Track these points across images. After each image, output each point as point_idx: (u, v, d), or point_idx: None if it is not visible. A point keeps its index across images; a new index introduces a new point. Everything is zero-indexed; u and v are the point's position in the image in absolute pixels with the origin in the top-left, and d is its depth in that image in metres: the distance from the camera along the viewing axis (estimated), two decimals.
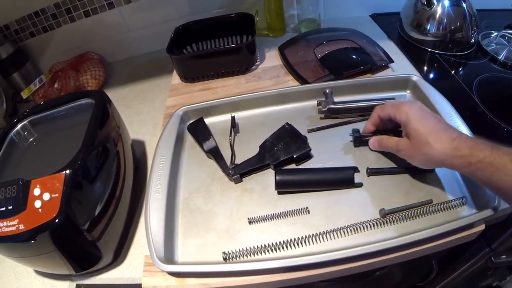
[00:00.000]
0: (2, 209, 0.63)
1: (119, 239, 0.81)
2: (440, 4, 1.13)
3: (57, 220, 0.61)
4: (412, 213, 0.72)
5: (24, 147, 0.83)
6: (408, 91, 0.98)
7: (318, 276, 0.69)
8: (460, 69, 1.11)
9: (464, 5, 1.12)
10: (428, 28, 1.16)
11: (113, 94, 0.91)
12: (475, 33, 1.16)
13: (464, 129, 0.80)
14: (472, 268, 0.98)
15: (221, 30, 1.28)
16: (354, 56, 1.11)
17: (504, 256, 0.91)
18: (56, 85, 1.29)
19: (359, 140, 0.85)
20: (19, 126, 0.85)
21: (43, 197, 0.63)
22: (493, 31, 1.20)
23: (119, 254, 0.81)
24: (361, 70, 1.06)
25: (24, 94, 1.26)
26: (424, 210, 0.72)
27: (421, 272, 1.10)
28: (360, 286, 1.15)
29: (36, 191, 0.64)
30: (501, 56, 1.10)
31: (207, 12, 1.36)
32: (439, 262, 1.00)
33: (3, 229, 0.62)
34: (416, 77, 0.95)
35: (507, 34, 1.14)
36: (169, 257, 0.71)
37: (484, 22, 1.26)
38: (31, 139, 0.85)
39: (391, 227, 0.71)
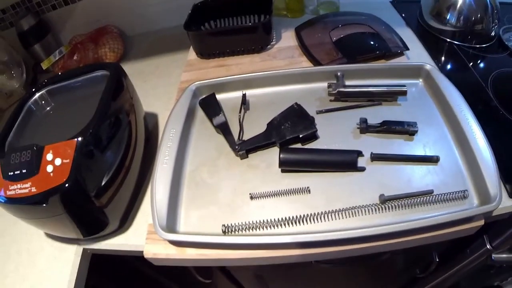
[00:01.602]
0: (16, 172, 0.66)
1: (126, 207, 0.83)
2: None
3: (66, 185, 0.64)
4: (412, 201, 0.72)
5: (41, 116, 0.86)
6: (421, 80, 0.97)
7: (313, 256, 0.71)
8: (478, 61, 1.09)
9: None
10: (448, 17, 1.14)
11: (130, 67, 0.93)
12: (496, 26, 1.14)
13: (473, 122, 0.80)
14: (472, 264, 0.97)
15: (239, 8, 1.29)
16: (369, 41, 1.11)
17: (504, 255, 0.91)
18: (75, 57, 1.32)
19: (365, 130, 0.86)
20: (37, 95, 0.87)
21: (55, 162, 0.66)
22: None
23: (125, 222, 0.83)
24: (375, 55, 1.05)
25: (44, 65, 1.29)
26: (424, 199, 0.72)
27: (422, 264, 1.10)
28: (360, 271, 1.16)
29: (49, 157, 0.66)
30: None
31: None
32: (440, 255, 1.00)
33: (17, 191, 0.65)
34: (429, 66, 0.94)
35: None
36: (171, 226, 0.73)
37: (507, 16, 1.23)
38: (48, 108, 0.88)
39: (389, 214, 0.72)
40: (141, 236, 0.79)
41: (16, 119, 0.81)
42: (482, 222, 0.71)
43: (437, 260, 0.99)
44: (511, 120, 0.89)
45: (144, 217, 0.84)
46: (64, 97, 0.89)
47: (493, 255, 0.91)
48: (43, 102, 0.88)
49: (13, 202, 0.66)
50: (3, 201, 0.66)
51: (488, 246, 0.88)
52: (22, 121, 0.82)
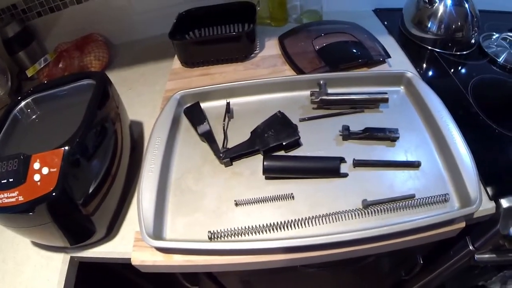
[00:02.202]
0: (3, 181, 0.66)
1: (113, 215, 0.84)
2: (442, 3, 1.13)
3: (54, 194, 0.64)
4: (394, 206, 0.74)
5: (27, 124, 0.86)
6: (402, 87, 0.99)
7: (299, 260, 0.72)
8: (458, 68, 1.11)
9: (466, 5, 1.12)
10: (429, 26, 1.16)
11: (116, 75, 0.93)
12: (476, 34, 1.16)
13: (453, 127, 0.82)
14: (455, 265, 0.99)
15: (223, 17, 1.30)
16: (351, 50, 1.12)
17: (487, 255, 0.92)
18: (60, 65, 1.31)
19: (348, 137, 0.87)
20: (23, 103, 0.87)
21: (42, 171, 0.66)
22: (494, 33, 1.20)
23: (112, 229, 0.83)
24: (357, 63, 1.07)
25: (29, 73, 1.28)
26: (406, 204, 0.74)
27: (406, 266, 1.12)
28: (345, 274, 1.17)
29: (36, 165, 0.66)
30: (501, 58, 1.10)
31: None
32: (424, 258, 1.01)
33: (4, 200, 0.65)
34: (410, 73, 0.96)
35: (508, 37, 1.14)
36: (157, 233, 0.74)
37: (487, 24, 1.25)
38: (33, 117, 0.87)
39: (372, 218, 0.74)
40: (128, 244, 0.79)
41: (2, 127, 0.80)
42: (463, 224, 0.72)
43: (421, 262, 1.01)
44: (490, 125, 0.91)
45: (130, 225, 0.84)
46: (50, 105, 0.89)
47: (476, 256, 0.92)
48: (28, 110, 0.87)
49: (0, 211, 0.65)
50: None
51: (470, 247, 0.90)
52: (8, 130, 0.81)
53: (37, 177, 0.66)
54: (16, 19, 1.36)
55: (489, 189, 0.78)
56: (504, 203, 0.76)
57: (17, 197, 0.65)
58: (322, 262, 0.76)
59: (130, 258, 0.75)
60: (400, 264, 1.14)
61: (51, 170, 0.66)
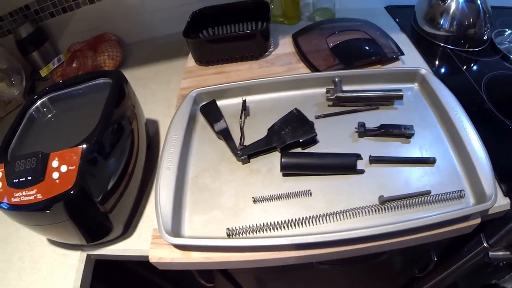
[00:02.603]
0: (22, 179, 0.66)
1: (130, 212, 0.84)
2: (455, 0, 1.13)
3: (72, 192, 0.65)
4: (410, 202, 0.74)
5: (43, 123, 0.87)
6: (416, 84, 0.99)
7: (316, 257, 0.73)
8: (471, 65, 1.11)
9: (479, 1, 1.12)
10: (441, 22, 1.16)
11: (129, 74, 0.93)
12: (489, 30, 1.16)
13: (467, 124, 0.82)
14: (470, 262, 0.98)
15: (237, 16, 1.30)
16: (365, 47, 1.12)
17: (501, 253, 0.92)
18: (74, 64, 1.32)
19: (364, 134, 0.88)
20: (39, 102, 0.88)
21: (61, 169, 0.66)
22: (507, 29, 1.20)
23: (129, 227, 0.84)
24: (371, 60, 1.07)
25: (43, 72, 1.29)
26: (422, 200, 0.74)
27: (420, 263, 1.11)
28: (359, 272, 1.17)
29: (54, 163, 0.67)
30: None
31: None
32: (438, 255, 1.01)
33: (22, 198, 0.65)
34: (424, 70, 0.96)
35: None
36: (175, 231, 0.74)
37: (499, 20, 1.24)
38: (49, 115, 0.88)
39: (388, 214, 0.74)
40: (145, 241, 0.80)
41: (18, 126, 0.81)
42: (478, 221, 0.72)
43: (435, 259, 1.00)
44: (504, 121, 0.91)
45: (147, 222, 0.85)
46: (66, 104, 0.90)
47: (490, 253, 0.91)
48: (44, 109, 0.88)
49: (19, 209, 0.66)
50: (6, 207, 0.66)
51: (485, 244, 0.89)
52: (24, 128, 0.82)
53: (55, 175, 0.66)
54: (29, 20, 1.38)
55: (503, 186, 0.78)
56: None
57: (35, 195, 0.65)
58: (336, 259, 0.76)
59: (147, 256, 0.75)
60: (414, 261, 1.14)
61: (70, 168, 0.66)
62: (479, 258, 0.95)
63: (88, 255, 0.82)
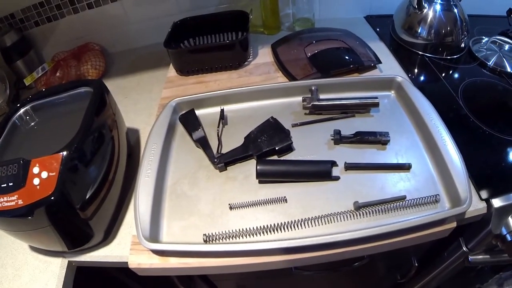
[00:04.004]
0: (3, 185, 0.67)
1: (110, 219, 0.85)
2: (432, 8, 1.15)
3: (52, 198, 0.66)
4: (385, 207, 0.75)
5: (26, 131, 0.87)
6: (393, 92, 1.01)
7: (292, 262, 0.73)
8: (449, 72, 1.13)
9: (456, 10, 1.14)
10: (419, 31, 1.18)
11: (112, 83, 0.94)
12: (466, 38, 1.18)
13: (443, 130, 0.84)
14: (450, 267, 1.00)
15: (217, 26, 1.32)
16: (342, 56, 1.14)
17: (480, 256, 0.93)
18: (58, 74, 1.33)
19: (339, 141, 0.89)
20: (22, 111, 0.88)
21: (42, 175, 0.67)
22: (484, 37, 1.22)
23: (109, 234, 0.85)
24: (348, 69, 1.09)
25: (27, 81, 1.30)
26: (397, 205, 0.75)
27: (402, 269, 1.13)
28: (341, 278, 1.18)
29: (35, 170, 0.68)
30: (491, 61, 1.12)
31: (206, 8, 1.40)
32: (419, 260, 1.03)
33: (3, 204, 0.66)
34: (400, 78, 0.98)
35: (497, 40, 1.16)
36: (154, 237, 0.75)
37: (477, 28, 1.28)
38: (32, 124, 0.89)
39: (363, 220, 0.75)
40: (125, 248, 0.80)
41: (1, 134, 0.82)
42: (454, 224, 0.74)
43: (416, 265, 1.02)
44: (481, 127, 0.92)
45: (127, 229, 0.85)
46: (48, 112, 0.90)
47: (470, 257, 0.93)
48: (27, 117, 0.88)
49: (0, 215, 0.66)
50: None
51: (464, 249, 0.91)
52: (7, 136, 0.82)
53: (36, 181, 0.67)
54: (14, 28, 1.38)
55: (480, 190, 0.79)
56: (495, 203, 0.77)
57: (16, 201, 0.66)
58: (317, 265, 0.77)
59: (127, 262, 0.76)
60: (396, 267, 1.15)
61: (50, 174, 0.67)
62: (460, 262, 0.97)
63: (69, 262, 0.82)
